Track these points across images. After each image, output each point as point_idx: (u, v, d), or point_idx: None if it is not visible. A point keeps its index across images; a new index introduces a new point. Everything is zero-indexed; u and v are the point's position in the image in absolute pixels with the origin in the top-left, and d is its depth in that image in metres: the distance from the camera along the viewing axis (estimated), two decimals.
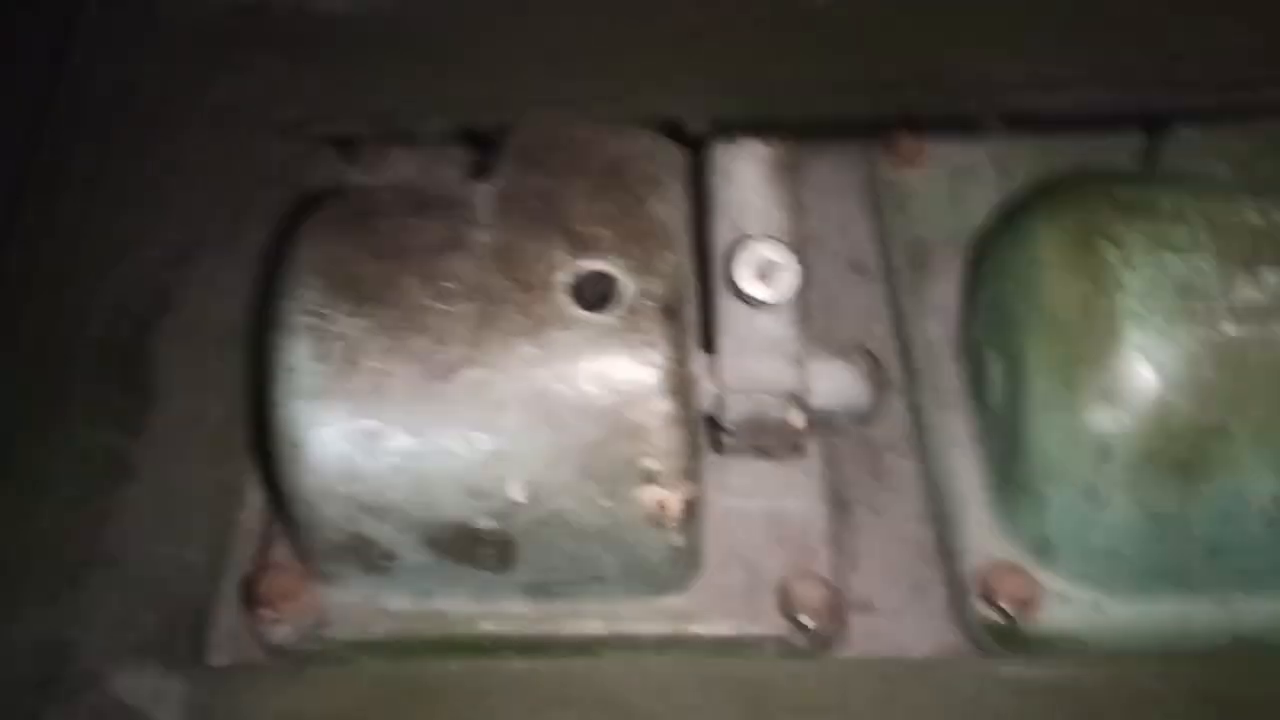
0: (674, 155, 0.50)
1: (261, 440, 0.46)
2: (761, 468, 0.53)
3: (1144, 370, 0.43)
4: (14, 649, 0.50)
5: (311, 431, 0.44)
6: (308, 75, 0.69)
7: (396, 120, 0.68)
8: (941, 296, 0.59)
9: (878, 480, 0.56)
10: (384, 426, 0.44)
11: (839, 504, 0.54)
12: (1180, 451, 0.43)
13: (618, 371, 0.43)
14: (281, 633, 0.49)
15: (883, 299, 0.62)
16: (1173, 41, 0.67)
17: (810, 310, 0.50)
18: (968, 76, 0.70)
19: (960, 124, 0.68)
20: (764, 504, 0.52)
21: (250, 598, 0.50)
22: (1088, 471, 0.44)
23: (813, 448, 0.54)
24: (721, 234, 0.49)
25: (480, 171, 0.55)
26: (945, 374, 0.56)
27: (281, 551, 0.51)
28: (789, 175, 0.49)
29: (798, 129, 0.68)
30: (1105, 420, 0.43)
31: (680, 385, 0.44)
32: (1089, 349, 0.44)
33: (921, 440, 0.56)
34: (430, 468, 0.44)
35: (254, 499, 0.55)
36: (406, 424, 0.44)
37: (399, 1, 0.73)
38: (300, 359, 0.44)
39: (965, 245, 0.60)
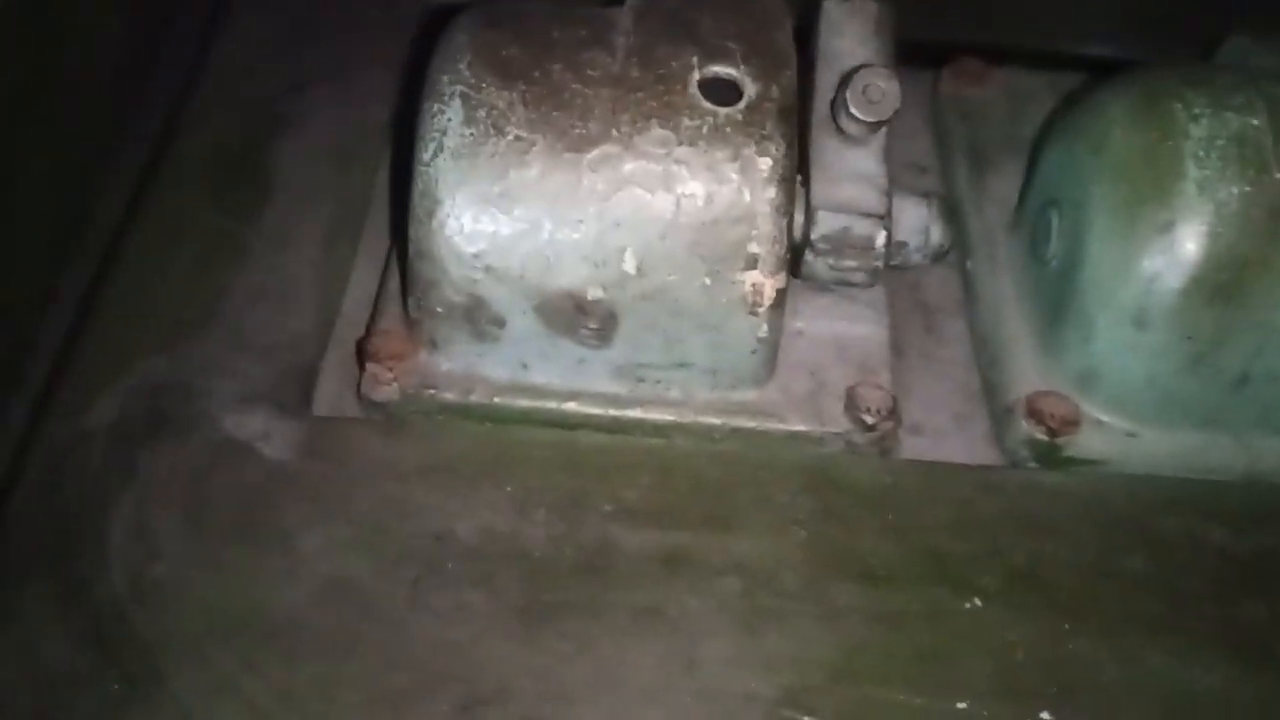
0: (783, 5, 0.55)
1: (401, 203, 0.51)
2: (830, 298, 0.58)
3: (1199, 203, 0.48)
4: (130, 390, 0.54)
5: (453, 190, 0.49)
6: None
7: None
8: (998, 188, 0.65)
9: (929, 334, 0.62)
10: (520, 190, 0.49)
11: (894, 349, 0.60)
12: (1222, 279, 0.48)
13: (736, 158, 0.49)
14: (387, 391, 0.53)
15: (941, 189, 0.68)
16: None
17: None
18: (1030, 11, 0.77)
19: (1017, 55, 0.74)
20: (831, 327, 0.57)
21: (362, 357, 0.54)
22: (1137, 295, 0.50)
23: (877, 292, 0.59)
24: (825, 78, 0.55)
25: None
26: (999, 246, 0.62)
27: (390, 320, 0.55)
28: (890, 33, 0.55)
29: None
30: (1159, 247, 0.49)
31: (789, 178, 0.49)
32: (1150, 187, 0.50)
33: (972, 302, 0.62)
34: (556, 233, 0.49)
35: (357, 285, 0.60)
36: (541, 190, 0.49)
37: None
38: (451, 123, 0.49)
39: (1022, 151, 0.66)
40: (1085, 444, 0.54)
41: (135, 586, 0.47)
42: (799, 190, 0.54)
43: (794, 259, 0.55)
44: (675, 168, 0.48)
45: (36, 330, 0.59)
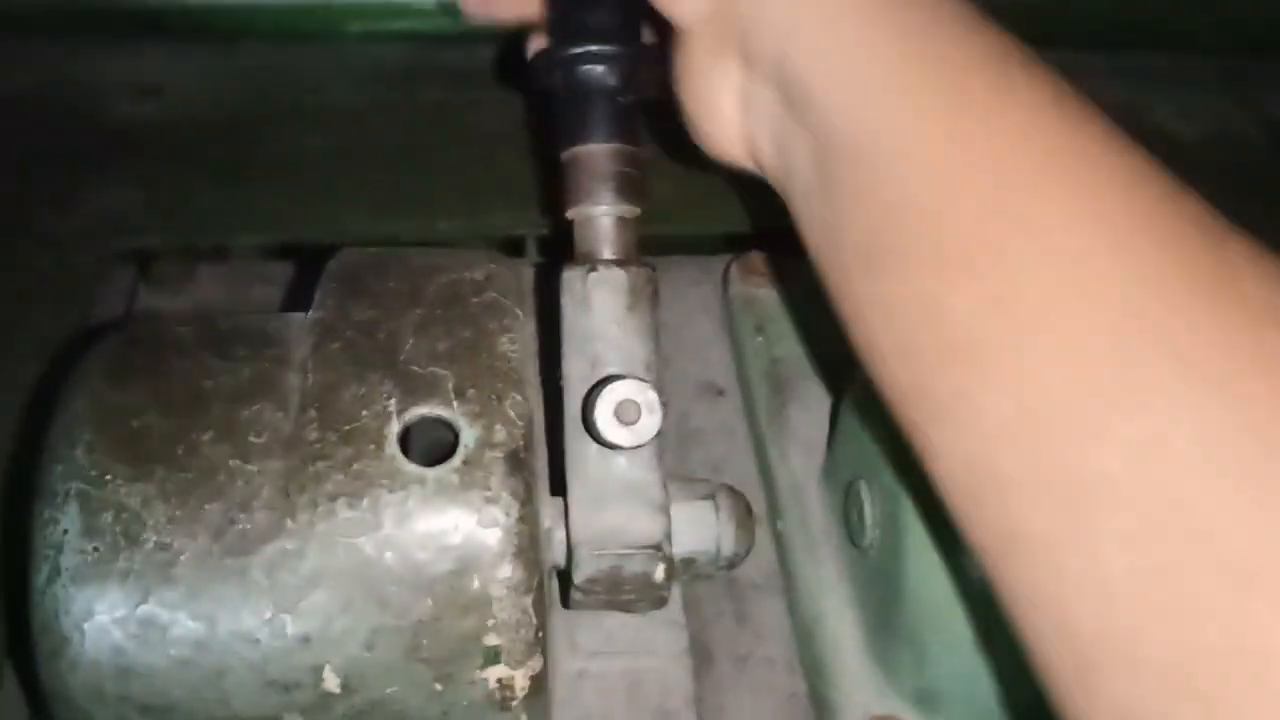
0: (517, 277, 0.45)
1: (18, 630, 0.38)
2: (616, 621, 0.48)
3: None
4: None
5: (78, 623, 0.36)
6: (99, 184, 0.62)
7: (204, 234, 0.62)
8: (803, 423, 0.56)
9: (741, 625, 0.52)
10: (167, 613, 0.36)
11: (701, 654, 0.50)
12: None
13: (455, 535, 0.38)
14: None
15: (742, 424, 0.59)
16: None
17: (668, 441, 0.46)
18: None
19: None
20: (619, 664, 0.47)
21: None
22: (978, 617, 0.41)
23: (673, 593, 0.49)
24: (576, 368, 0.45)
25: (295, 299, 0.49)
26: (811, 508, 0.53)
27: None
28: (650, 304, 0.45)
29: (653, 242, 0.65)
30: None
31: (528, 546, 0.39)
32: None
33: (788, 580, 0.52)
34: (225, 659, 0.37)
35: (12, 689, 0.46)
36: (195, 609, 0.37)
37: (207, 106, 0.67)
38: (67, 536, 0.37)
39: (822, 373, 0.57)
40: None
41: None
42: (558, 505, 0.44)
43: (563, 588, 0.45)
44: (375, 558, 0.37)
45: None
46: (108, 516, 0.37)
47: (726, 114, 0.42)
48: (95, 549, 0.36)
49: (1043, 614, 0.30)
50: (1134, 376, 0.28)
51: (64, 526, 0.37)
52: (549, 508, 0.43)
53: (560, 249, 0.49)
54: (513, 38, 0.69)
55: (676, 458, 0.57)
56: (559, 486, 0.44)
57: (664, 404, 0.42)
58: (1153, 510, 0.27)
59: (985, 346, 0.31)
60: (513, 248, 0.67)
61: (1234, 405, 0.27)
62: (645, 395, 0.41)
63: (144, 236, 0.61)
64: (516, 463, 0.39)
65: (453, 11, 0.71)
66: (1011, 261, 0.31)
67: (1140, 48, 0.80)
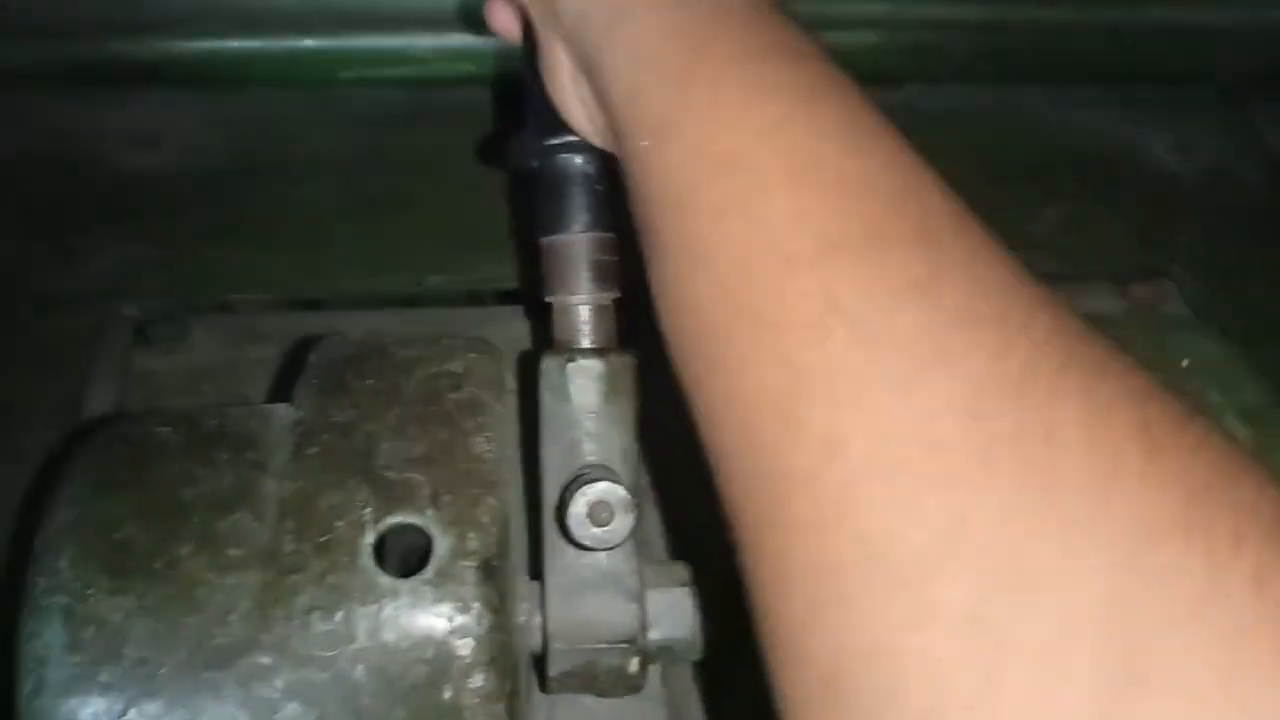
0: (497, 366, 0.46)
1: None
2: (592, 702, 0.49)
3: None
4: None
5: None
6: (99, 241, 0.63)
7: (200, 291, 0.63)
8: None
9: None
10: None
11: None
12: None
13: (428, 647, 0.38)
14: None
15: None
16: None
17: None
18: None
19: None
20: None
21: None
22: None
23: (651, 670, 0.50)
24: (553, 457, 0.45)
25: (280, 385, 0.50)
26: None
27: None
28: (629, 391, 0.46)
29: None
30: None
31: (500, 655, 0.39)
32: None
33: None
34: None
35: None
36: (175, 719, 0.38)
37: (205, 155, 0.68)
38: (50, 648, 0.38)
39: None
40: None
41: None
42: (535, 590, 0.45)
43: (539, 673, 0.46)
44: (348, 671, 0.38)
45: None
46: (90, 631, 0.38)
47: (568, 91, 0.44)
48: (77, 662, 0.38)
49: (752, 595, 0.32)
50: (830, 371, 0.30)
51: (47, 640, 0.38)
52: (526, 595, 0.44)
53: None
54: (494, 123, 0.70)
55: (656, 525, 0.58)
56: (538, 569, 0.45)
57: (637, 503, 0.43)
58: (827, 507, 0.28)
59: (713, 334, 0.33)
60: (505, 296, 0.68)
61: (910, 406, 0.28)
62: (618, 495, 0.42)
63: (142, 297, 0.62)
64: (489, 571, 0.40)
65: (446, 56, 0.72)
66: (739, 256, 0.33)
67: (1139, 81, 0.80)
